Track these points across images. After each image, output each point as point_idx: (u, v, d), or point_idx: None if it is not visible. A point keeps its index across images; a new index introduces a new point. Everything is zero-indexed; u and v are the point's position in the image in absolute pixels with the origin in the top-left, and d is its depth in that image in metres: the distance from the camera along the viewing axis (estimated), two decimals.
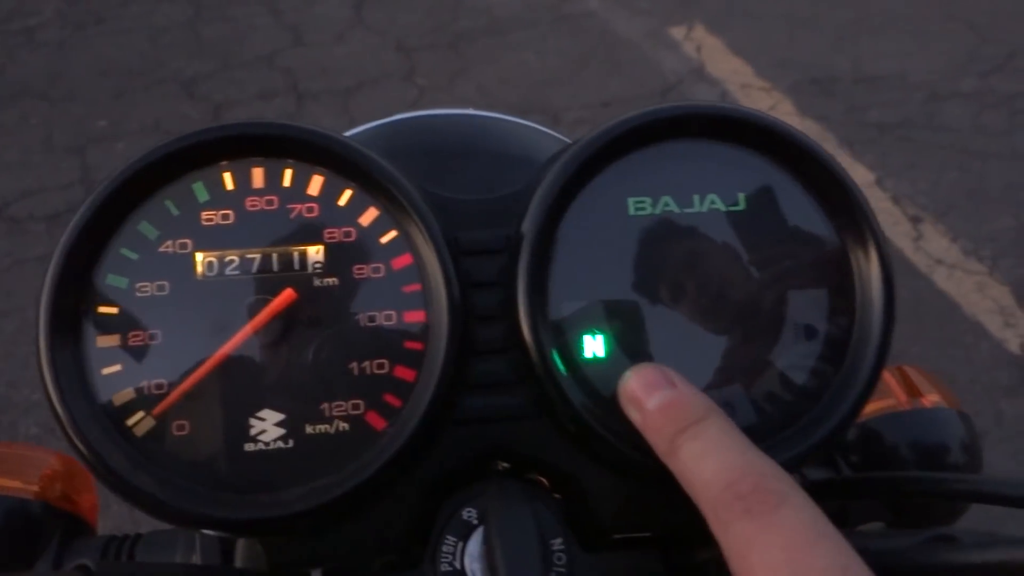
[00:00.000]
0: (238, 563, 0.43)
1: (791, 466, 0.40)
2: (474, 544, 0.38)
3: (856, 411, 0.40)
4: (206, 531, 0.38)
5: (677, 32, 3.66)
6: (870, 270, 0.41)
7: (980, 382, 2.20)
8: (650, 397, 0.33)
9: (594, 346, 0.40)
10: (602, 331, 0.41)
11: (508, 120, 0.54)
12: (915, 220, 2.72)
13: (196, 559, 0.53)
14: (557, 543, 0.38)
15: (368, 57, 3.61)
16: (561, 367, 0.39)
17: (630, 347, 0.41)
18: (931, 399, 0.62)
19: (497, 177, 0.45)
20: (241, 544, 0.46)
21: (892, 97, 3.30)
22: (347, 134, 0.55)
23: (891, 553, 0.33)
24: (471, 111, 0.54)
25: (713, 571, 0.42)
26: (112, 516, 1.47)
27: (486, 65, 3.59)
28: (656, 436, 0.32)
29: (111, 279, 0.39)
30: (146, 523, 0.57)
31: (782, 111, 3.27)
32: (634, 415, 0.34)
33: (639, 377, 0.34)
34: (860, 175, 2.91)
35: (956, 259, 2.58)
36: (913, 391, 0.62)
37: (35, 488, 0.62)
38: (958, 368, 2.23)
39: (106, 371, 0.38)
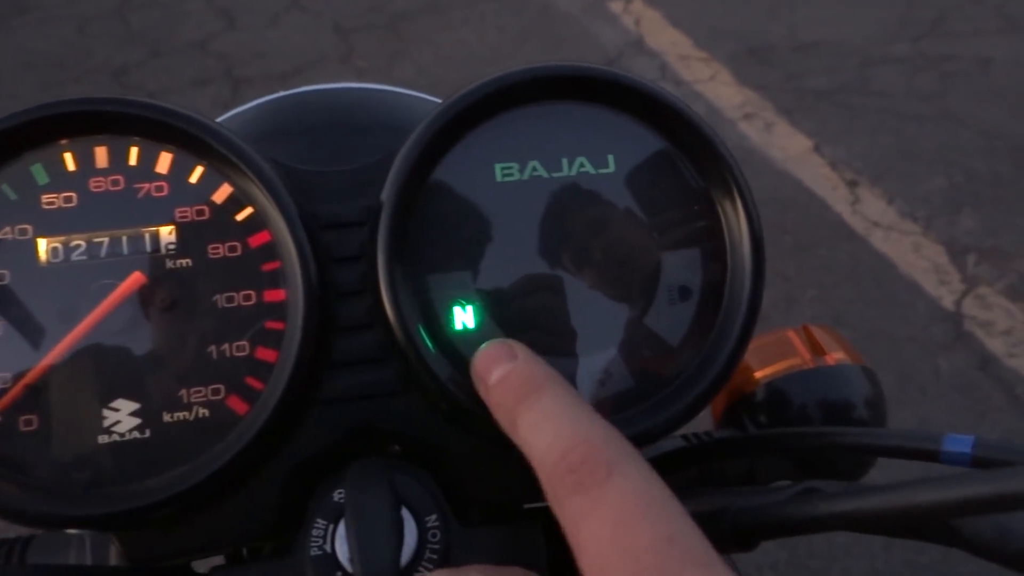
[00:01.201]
0: (112, 560, 0.41)
1: (668, 427, 0.40)
2: (344, 527, 0.37)
3: (729, 370, 0.40)
4: (65, 530, 0.37)
5: (615, 6, 3.65)
6: (740, 229, 0.40)
7: (917, 340, 2.25)
8: (492, 372, 0.32)
9: (464, 317, 0.39)
10: (472, 302, 0.40)
11: (387, 90, 0.52)
12: (852, 184, 2.77)
13: (88, 558, 0.51)
14: (432, 520, 0.37)
15: (305, 40, 3.54)
16: (427, 342, 0.38)
17: (502, 317, 0.40)
18: (835, 356, 0.62)
19: (361, 148, 0.43)
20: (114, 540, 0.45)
21: (828, 64, 3.34)
22: (221, 118, 0.53)
23: (753, 509, 0.32)
24: (347, 84, 0.52)
25: None
26: None
27: (425, 45, 3.54)
28: (498, 410, 0.31)
29: None
30: None
31: (721, 81, 3.29)
32: (482, 392, 0.33)
33: (483, 354, 0.33)
34: (799, 142, 2.95)
35: (892, 221, 2.63)
36: (817, 349, 0.63)
37: None
38: (896, 327, 2.28)
39: None
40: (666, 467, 0.51)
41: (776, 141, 2.96)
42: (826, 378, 0.61)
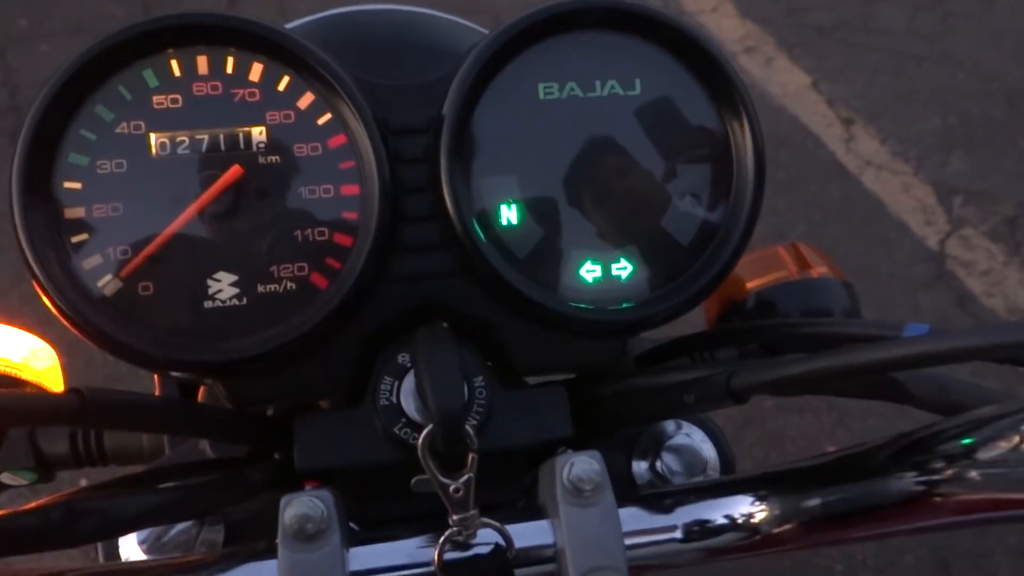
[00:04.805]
0: None
1: (679, 311, 0.47)
2: (408, 383, 0.45)
3: (730, 265, 0.47)
4: (174, 373, 0.44)
5: None
6: (745, 143, 0.47)
7: (900, 277, 2.33)
8: None
9: (509, 214, 0.46)
10: (516, 201, 0.47)
11: (432, 14, 0.58)
12: (847, 122, 2.81)
13: None
14: (478, 380, 0.45)
15: None
16: (479, 232, 0.45)
17: (541, 215, 0.47)
18: (819, 271, 0.70)
19: (422, 65, 0.49)
20: (202, 392, 0.52)
21: None
22: (290, 25, 0.59)
23: (747, 370, 0.40)
24: (396, 6, 0.58)
25: (609, 404, 0.50)
26: None
27: None
28: None
29: (73, 157, 0.43)
30: None
31: (724, 13, 3.29)
32: None
33: None
34: (797, 78, 2.97)
35: (884, 160, 2.69)
36: (803, 264, 0.70)
37: (7, 368, 0.66)
38: (881, 264, 2.36)
39: (75, 239, 0.43)
40: (665, 354, 0.59)
41: (775, 76, 2.99)
42: (810, 289, 0.69)
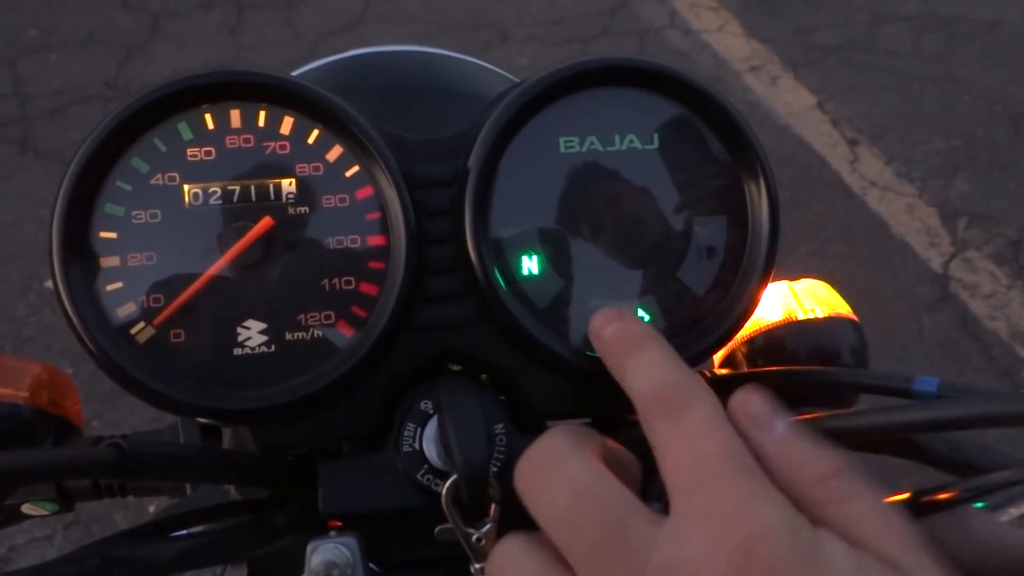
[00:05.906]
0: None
1: (695, 361, 0.48)
2: (430, 429, 0.46)
3: (745, 316, 0.48)
4: (201, 420, 0.45)
5: None
6: (761, 200, 0.48)
7: (904, 299, 2.34)
8: (606, 328, 0.39)
9: (530, 265, 0.48)
10: (536, 252, 0.48)
11: (452, 56, 0.59)
12: (852, 143, 2.83)
13: None
14: (499, 428, 0.46)
15: None
16: (501, 282, 0.47)
17: (560, 266, 0.48)
18: (827, 309, 0.71)
19: (444, 113, 0.51)
20: (226, 435, 0.54)
21: (837, 19, 3.36)
22: (302, 70, 0.61)
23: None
24: (418, 48, 0.59)
25: (629, 450, 0.51)
26: None
27: None
28: (610, 359, 0.38)
29: (109, 208, 0.44)
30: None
31: (730, 31, 3.32)
32: (596, 345, 0.40)
33: (600, 314, 0.40)
34: (803, 98, 2.99)
35: (889, 181, 2.70)
36: (812, 302, 0.71)
37: (25, 394, 0.68)
38: (885, 285, 2.37)
39: (110, 288, 0.44)
40: None
41: (780, 95, 3.01)
42: (819, 328, 0.70)
